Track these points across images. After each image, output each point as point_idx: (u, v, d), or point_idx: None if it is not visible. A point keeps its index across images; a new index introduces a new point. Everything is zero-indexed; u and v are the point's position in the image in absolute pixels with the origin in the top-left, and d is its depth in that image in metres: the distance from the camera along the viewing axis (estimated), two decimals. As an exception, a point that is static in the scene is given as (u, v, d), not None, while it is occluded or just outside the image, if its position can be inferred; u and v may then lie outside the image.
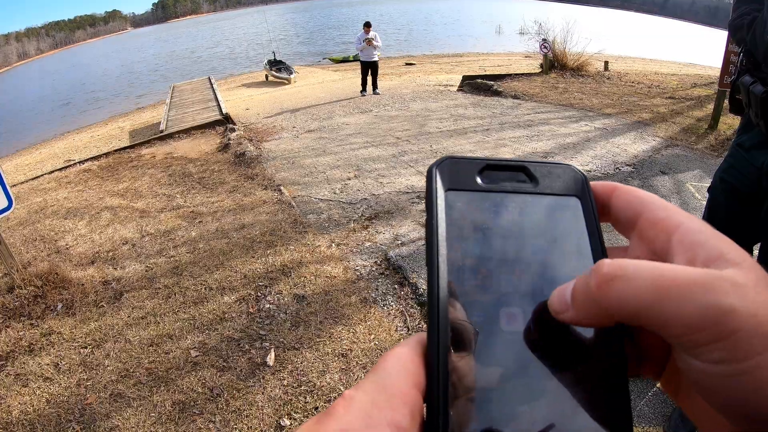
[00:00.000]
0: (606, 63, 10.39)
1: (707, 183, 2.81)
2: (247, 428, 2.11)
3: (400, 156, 5.50)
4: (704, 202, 2.20)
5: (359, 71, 9.76)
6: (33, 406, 2.31)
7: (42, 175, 6.44)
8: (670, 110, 6.81)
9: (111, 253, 3.75)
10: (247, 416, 2.16)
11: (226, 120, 7.93)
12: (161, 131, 7.87)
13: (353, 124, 7.20)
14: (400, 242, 3.54)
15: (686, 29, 40.77)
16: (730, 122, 5.64)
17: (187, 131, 7.62)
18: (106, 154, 6.94)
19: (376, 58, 9.45)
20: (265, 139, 6.76)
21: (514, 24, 20.66)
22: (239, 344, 2.61)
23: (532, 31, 11.37)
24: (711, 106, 6.22)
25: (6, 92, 36.34)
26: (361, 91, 9.63)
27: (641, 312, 0.18)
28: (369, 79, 9.56)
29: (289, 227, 3.90)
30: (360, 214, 4.08)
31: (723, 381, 0.18)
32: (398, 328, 2.67)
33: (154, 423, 2.16)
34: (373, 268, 3.25)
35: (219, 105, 9.09)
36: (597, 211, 0.24)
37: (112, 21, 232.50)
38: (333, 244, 3.62)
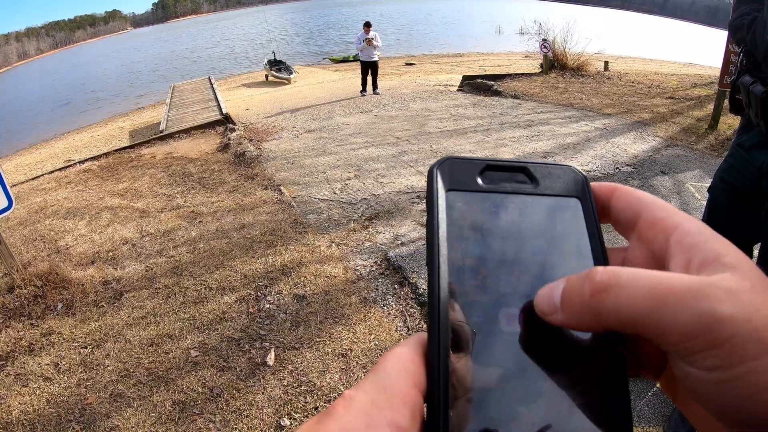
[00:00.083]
0: (606, 63, 10.39)
1: (707, 183, 2.81)
2: (247, 428, 2.11)
3: (400, 156, 5.50)
4: (704, 202, 2.21)
5: (359, 71, 9.76)
6: (33, 406, 2.31)
7: (42, 175, 6.44)
8: (670, 110, 6.81)
9: (111, 253, 3.76)
10: (247, 416, 2.16)
11: (226, 120, 7.93)
12: (161, 131, 7.87)
13: (353, 124, 7.20)
14: (400, 242, 3.54)
15: (686, 29, 40.74)
16: (730, 122, 5.64)
17: (187, 131, 7.62)
18: (106, 154, 6.94)
19: (376, 58, 9.45)
20: (265, 139, 6.76)
21: (514, 24, 20.65)
22: (239, 344, 2.61)
23: (532, 31, 11.37)
24: (711, 106, 6.22)
25: (6, 92, 36.34)
26: (361, 91, 9.63)
27: (636, 321, 0.18)
28: (369, 79, 9.56)
29: (289, 227, 3.91)
30: (360, 214, 4.08)
31: (718, 387, 0.18)
32: (398, 328, 2.67)
33: (154, 423, 2.16)
34: (373, 268, 3.25)
35: (219, 105, 9.09)
36: (597, 212, 0.24)
37: (112, 21, 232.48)
38: (333, 244, 3.62)
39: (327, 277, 3.18)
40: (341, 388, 2.28)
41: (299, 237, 3.74)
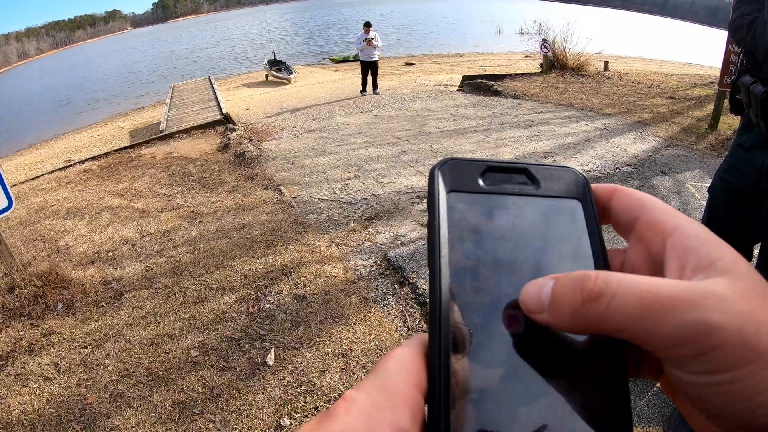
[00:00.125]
0: (606, 63, 10.39)
1: (707, 183, 2.81)
2: (247, 428, 2.11)
3: (400, 156, 5.50)
4: (704, 202, 2.21)
5: (359, 71, 9.76)
6: (33, 406, 2.31)
7: (42, 175, 6.44)
8: (670, 110, 6.81)
9: (111, 253, 3.76)
10: (247, 416, 2.16)
11: (226, 120, 7.93)
12: (161, 131, 7.87)
13: (353, 124, 7.20)
14: (400, 242, 3.54)
15: (686, 29, 40.75)
16: (730, 122, 5.64)
17: (187, 131, 7.62)
18: (106, 154, 6.94)
19: (376, 58, 9.44)
20: (265, 139, 6.76)
21: (514, 24, 20.64)
22: (239, 344, 2.61)
23: (532, 31, 11.37)
24: (711, 106, 6.22)
25: (6, 92, 36.33)
26: (361, 91, 9.63)
27: (624, 329, 0.18)
28: (369, 79, 9.56)
29: (289, 227, 3.91)
30: (360, 214, 4.08)
31: (708, 391, 0.18)
32: (398, 328, 2.67)
33: (154, 423, 2.16)
34: (373, 268, 3.25)
35: (219, 105, 9.08)
36: (598, 213, 0.24)
37: (112, 21, 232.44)
38: (333, 244, 3.62)
39: (327, 277, 3.18)
40: (341, 388, 2.28)
41: (299, 237, 3.74)
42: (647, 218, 0.23)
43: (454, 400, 0.19)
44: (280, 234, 3.79)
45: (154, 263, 3.53)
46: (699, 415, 0.21)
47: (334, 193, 4.60)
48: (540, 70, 10.11)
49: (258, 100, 10.72)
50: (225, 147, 6.40)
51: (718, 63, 5.49)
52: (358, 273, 3.21)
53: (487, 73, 11.47)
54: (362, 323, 2.71)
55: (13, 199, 3.04)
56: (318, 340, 2.60)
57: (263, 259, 3.44)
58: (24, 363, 2.60)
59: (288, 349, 2.54)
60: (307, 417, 2.15)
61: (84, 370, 2.52)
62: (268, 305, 2.92)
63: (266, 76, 15.23)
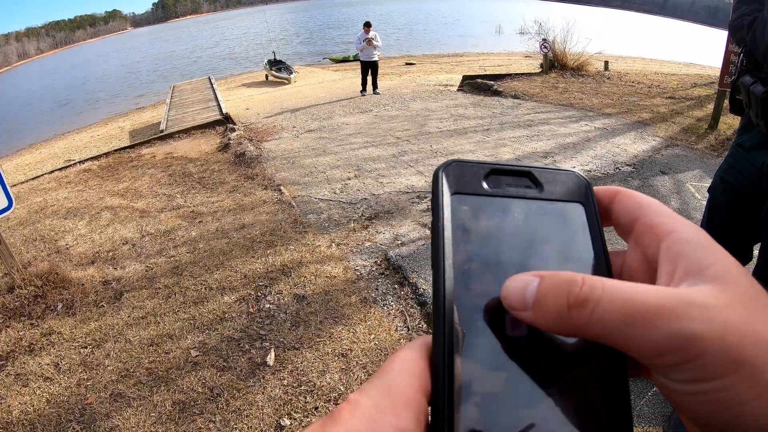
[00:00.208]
0: (606, 63, 10.39)
1: (707, 183, 2.81)
2: (247, 428, 2.11)
3: (400, 156, 5.50)
4: (704, 202, 2.21)
5: (359, 71, 9.76)
6: (33, 406, 2.31)
7: (42, 175, 6.44)
8: (670, 110, 6.82)
9: (111, 253, 3.76)
10: (247, 416, 2.16)
11: (226, 120, 7.93)
12: (161, 131, 7.87)
13: (353, 123, 7.20)
14: (400, 242, 3.54)
15: (686, 29, 40.76)
16: (730, 122, 5.64)
17: (187, 131, 7.62)
18: (106, 154, 6.94)
19: (376, 58, 9.44)
20: (265, 139, 6.76)
21: (514, 24, 20.63)
22: (239, 344, 2.61)
23: (532, 31, 11.37)
24: (711, 106, 6.22)
25: (6, 92, 36.32)
26: (361, 91, 9.63)
27: (609, 335, 0.18)
28: (369, 78, 9.56)
29: (289, 227, 3.91)
30: (360, 214, 4.08)
31: (693, 399, 0.18)
32: (398, 328, 2.67)
33: (154, 423, 2.16)
34: (373, 268, 3.25)
35: (219, 105, 9.08)
36: (600, 217, 0.24)
37: (112, 21, 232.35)
38: (333, 244, 3.62)
39: (327, 277, 3.18)
40: (341, 388, 2.28)
41: (299, 237, 3.75)
42: (644, 221, 0.23)
43: (459, 403, 0.19)
44: (280, 234, 3.79)
45: (154, 263, 3.53)
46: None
47: (334, 193, 4.60)
48: (540, 70, 10.11)
49: (258, 100, 10.72)
50: (225, 147, 6.40)
51: (718, 63, 5.49)
52: (358, 273, 3.21)
53: (487, 73, 11.47)
54: (362, 323, 2.72)
55: (13, 199, 3.04)
56: (318, 340, 2.60)
57: (263, 259, 3.44)
58: (24, 363, 2.60)
59: (288, 349, 2.54)
60: (307, 417, 2.15)
61: (84, 370, 2.52)
62: (268, 305, 2.92)
63: (266, 76, 15.23)
